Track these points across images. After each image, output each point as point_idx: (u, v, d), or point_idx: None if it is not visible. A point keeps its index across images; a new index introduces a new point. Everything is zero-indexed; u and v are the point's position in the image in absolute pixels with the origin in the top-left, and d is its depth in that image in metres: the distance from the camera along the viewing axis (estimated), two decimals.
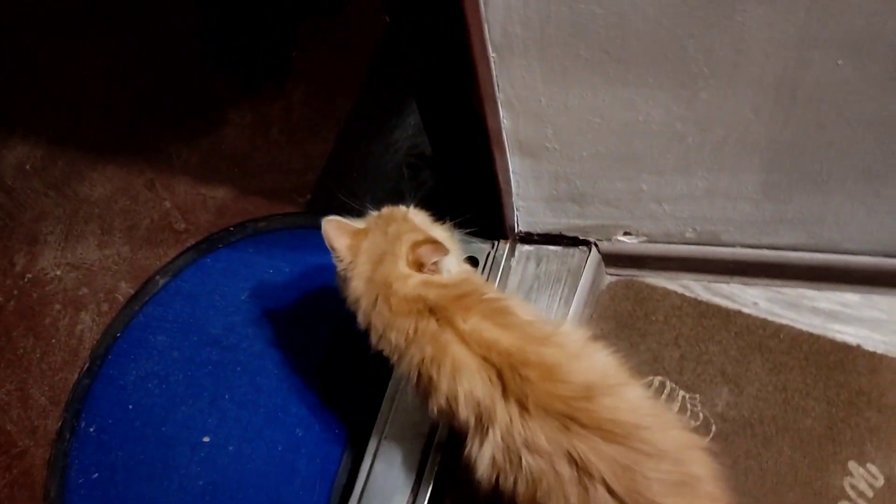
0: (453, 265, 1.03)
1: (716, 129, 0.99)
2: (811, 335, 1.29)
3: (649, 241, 1.30)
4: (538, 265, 1.33)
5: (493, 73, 0.92)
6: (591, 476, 0.87)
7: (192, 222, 1.61)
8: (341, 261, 1.05)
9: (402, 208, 1.10)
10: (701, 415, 1.26)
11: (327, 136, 1.65)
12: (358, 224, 1.08)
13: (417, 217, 1.09)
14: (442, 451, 1.20)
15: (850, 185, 1.08)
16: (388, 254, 1.01)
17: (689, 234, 1.27)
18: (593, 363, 0.95)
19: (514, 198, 1.20)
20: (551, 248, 1.34)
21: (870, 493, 1.18)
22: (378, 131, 1.62)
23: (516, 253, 1.34)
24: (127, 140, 1.80)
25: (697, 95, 0.93)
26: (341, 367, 1.40)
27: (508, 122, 1.02)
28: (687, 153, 1.05)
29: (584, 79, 0.92)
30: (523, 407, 0.90)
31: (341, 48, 1.78)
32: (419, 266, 1.00)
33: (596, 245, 1.32)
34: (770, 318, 1.31)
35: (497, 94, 0.96)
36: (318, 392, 1.39)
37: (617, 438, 0.88)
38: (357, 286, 1.02)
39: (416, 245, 1.01)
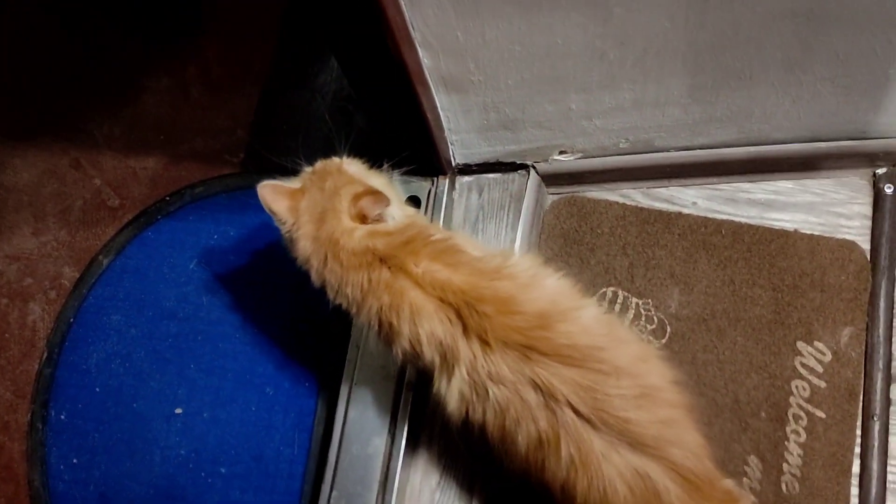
0: (396, 212, 1.03)
1: (635, 42, 0.99)
2: (751, 226, 1.33)
3: (585, 157, 1.31)
4: (480, 195, 1.34)
5: (406, 14, 0.90)
6: (556, 399, 0.91)
7: (127, 197, 1.57)
8: (283, 223, 1.04)
9: (336, 160, 1.09)
10: (656, 318, 1.31)
11: (250, 91, 1.60)
12: (294, 184, 1.07)
13: (352, 167, 1.08)
14: (412, 389, 1.23)
15: (773, 77, 1.09)
16: (329, 210, 1.00)
17: (623, 145, 1.28)
18: (544, 291, 0.97)
19: (447, 132, 1.20)
20: (491, 175, 1.34)
21: (819, 369, 1.24)
22: (302, 79, 1.58)
23: (457, 185, 1.34)
24: (44, 122, 1.73)
25: (612, 11, 0.92)
26: (302, 322, 1.40)
27: (429, 60, 1.00)
28: (610, 68, 1.05)
29: (498, 9, 0.91)
30: (484, 342, 0.93)
31: None
32: (363, 218, 1.00)
33: (534, 167, 1.33)
34: (710, 215, 1.35)
35: (413, 34, 0.94)
36: (283, 348, 1.40)
37: (575, 362, 0.91)
38: (304, 247, 1.02)
39: (356, 198, 1.00)
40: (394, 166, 1.30)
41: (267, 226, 1.45)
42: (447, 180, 1.32)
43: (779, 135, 1.25)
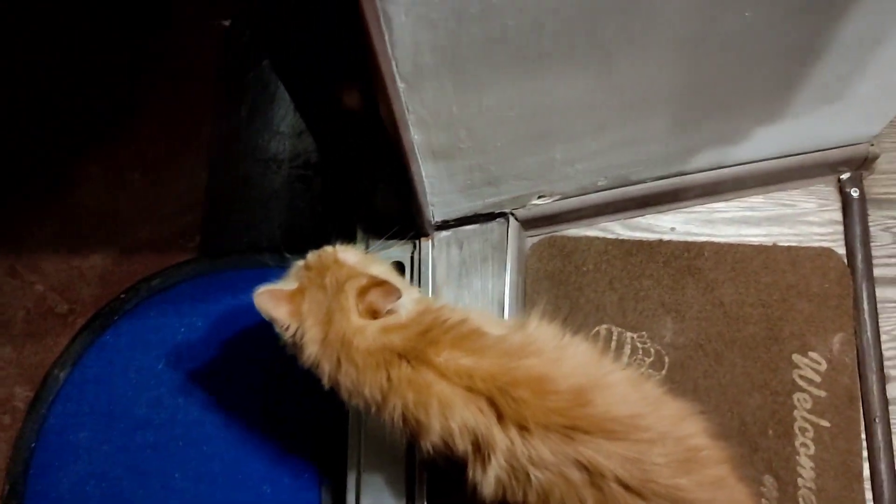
0: (407, 300, 0.97)
1: (626, 92, 0.97)
2: (731, 245, 1.33)
3: (563, 198, 1.29)
4: (461, 249, 1.29)
5: (403, 100, 0.84)
6: (603, 476, 0.88)
7: (76, 300, 1.43)
8: (287, 329, 0.96)
9: (329, 250, 1.02)
10: (652, 350, 1.30)
11: (195, 169, 1.49)
12: (289, 284, 0.99)
13: (350, 256, 1.01)
14: (426, 469, 1.17)
15: (752, 109, 1.10)
16: (335, 309, 0.94)
17: (601, 183, 1.26)
18: (574, 362, 0.94)
19: (430, 196, 1.15)
20: (469, 227, 1.30)
21: (818, 379, 1.26)
22: (251, 149, 1.48)
23: (436, 242, 1.29)
24: None
25: (610, 68, 0.90)
26: (288, 407, 1.32)
27: (420, 136, 0.95)
28: (598, 117, 1.03)
29: (499, 80, 0.87)
30: (524, 428, 0.89)
31: (181, 67, 1.59)
32: (373, 314, 0.94)
33: (512, 214, 1.29)
34: (689, 238, 1.35)
35: (407, 116, 0.88)
36: (274, 440, 1.31)
37: (619, 435, 0.88)
38: (313, 352, 0.95)
39: (363, 292, 0.94)
40: (369, 232, 1.25)
41: (237, 310, 1.37)
42: (429, 240, 1.27)
43: (750, 155, 1.26)
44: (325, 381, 0.96)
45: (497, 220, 1.30)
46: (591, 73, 0.89)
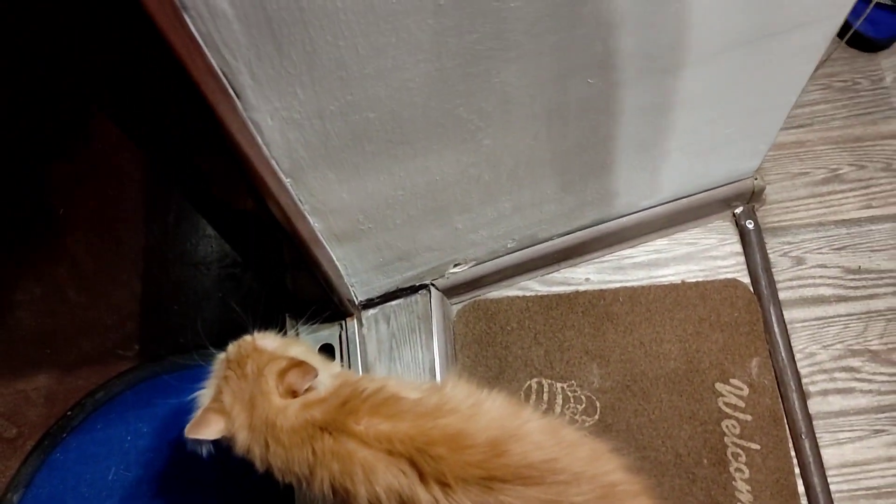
0: (324, 376, 1.03)
1: (505, 162, 1.05)
2: (643, 288, 1.41)
3: (478, 264, 1.36)
4: (388, 324, 1.35)
5: (292, 193, 0.91)
6: None
7: (24, 423, 1.46)
8: (221, 434, 1.01)
9: (248, 338, 1.07)
10: (583, 397, 1.35)
11: (128, 279, 1.55)
12: (210, 388, 1.04)
13: (268, 341, 1.06)
14: None
15: (631, 160, 1.18)
16: (257, 394, 0.99)
17: (511, 245, 1.34)
18: (489, 416, 0.98)
19: (346, 278, 1.21)
20: (394, 303, 1.36)
21: (742, 404, 1.32)
22: (180, 254, 1.55)
23: (364, 321, 1.35)
24: None
25: (481, 144, 0.98)
26: (241, 499, 1.34)
27: (319, 223, 1.02)
28: (487, 188, 1.10)
29: (377, 166, 0.94)
30: (445, 484, 0.93)
31: (106, 182, 1.67)
32: (293, 394, 0.99)
33: (433, 285, 1.36)
34: (604, 286, 1.42)
35: (301, 207, 0.96)
36: None
37: (535, 480, 0.93)
38: (243, 438, 0.99)
39: (282, 374, 0.99)
40: (297, 319, 1.30)
41: (178, 410, 1.41)
42: (354, 320, 1.33)
43: (645, 202, 1.35)
44: (259, 465, 1.00)
45: (420, 292, 1.36)
46: (463, 151, 0.97)
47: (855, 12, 1.46)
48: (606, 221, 1.36)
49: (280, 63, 0.71)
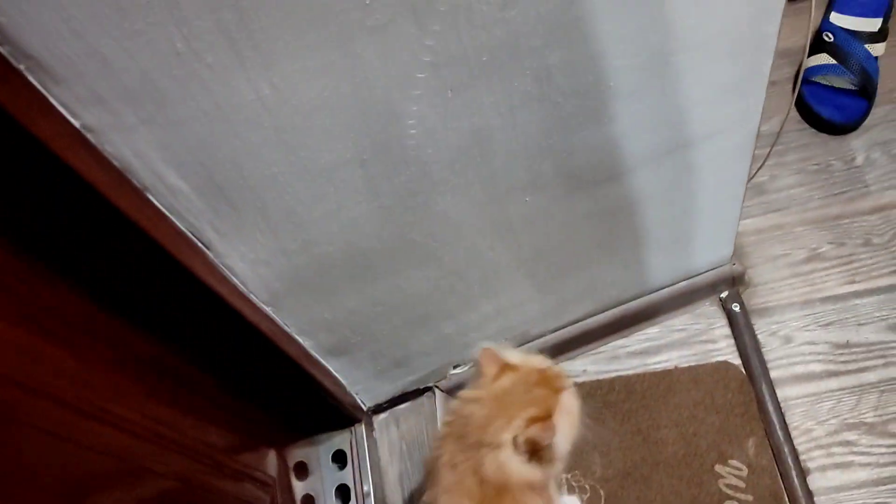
0: None
1: (472, 273, 1.16)
2: (638, 376, 1.47)
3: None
4: (398, 426, 1.45)
5: (277, 320, 1.04)
6: None
7: None
8: None
9: None
10: (587, 486, 1.41)
11: None
12: None
13: None
14: None
15: (597, 258, 1.28)
16: None
17: (505, 343, 1.43)
18: None
19: (348, 387, 1.32)
20: (402, 406, 1.46)
21: (742, 485, 1.35)
22: None
23: (375, 425, 1.45)
24: None
25: (442, 260, 1.09)
26: None
27: (309, 341, 1.14)
28: (462, 297, 1.21)
29: (350, 287, 1.07)
30: None
31: None
32: None
33: (437, 387, 1.46)
34: (601, 376, 1.49)
35: (287, 329, 1.09)
36: None
37: None
38: None
39: None
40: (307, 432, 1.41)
41: None
42: (363, 425, 1.43)
43: (627, 295, 1.43)
44: None
45: (425, 394, 1.46)
46: (427, 268, 1.09)
47: (820, 99, 1.56)
48: (594, 315, 1.45)
49: (238, 218, 0.85)
